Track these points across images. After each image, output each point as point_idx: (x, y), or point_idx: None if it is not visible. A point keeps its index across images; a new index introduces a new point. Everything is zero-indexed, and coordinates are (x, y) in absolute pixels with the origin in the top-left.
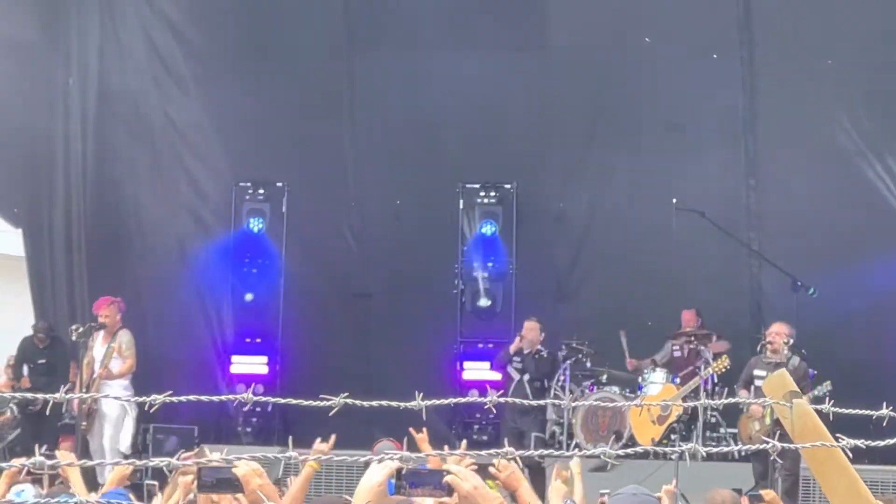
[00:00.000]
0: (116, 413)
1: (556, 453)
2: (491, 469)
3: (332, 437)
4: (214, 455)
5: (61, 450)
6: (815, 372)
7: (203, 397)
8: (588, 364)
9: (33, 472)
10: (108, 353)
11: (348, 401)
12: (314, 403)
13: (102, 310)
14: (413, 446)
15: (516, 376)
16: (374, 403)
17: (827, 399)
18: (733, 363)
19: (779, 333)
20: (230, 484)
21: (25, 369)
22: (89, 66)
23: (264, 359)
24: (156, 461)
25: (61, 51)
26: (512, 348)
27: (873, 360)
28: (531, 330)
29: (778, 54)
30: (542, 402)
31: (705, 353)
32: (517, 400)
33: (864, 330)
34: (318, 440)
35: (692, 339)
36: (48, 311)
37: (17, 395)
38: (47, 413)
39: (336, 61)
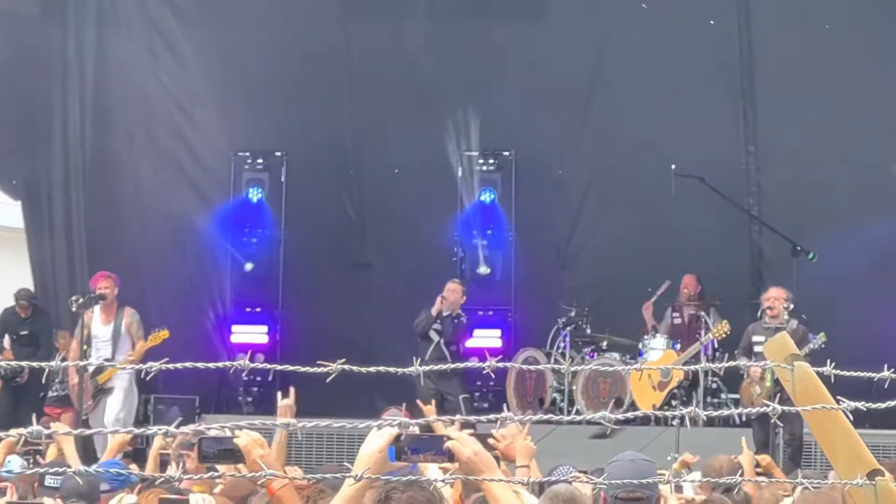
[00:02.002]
0: (125, 385)
1: (556, 418)
2: (490, 440)
3: (292, 390)
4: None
5: (60, 421)
6: (816, 336)
7: (199, 364)
8: (588, 330)
9: (31, 443)
10: (137, 345)
11: (346, 367)
12: (312, 370)
13: (100, 283)
14: (418, 416)
15: (435, 338)
16: (372, 369)
17: (823, 351)
18: (734, 329)
19: (777, 298)
20: (231, 455)
21: (7, 341)
22: (86, 37)
23: (264, 328)
24: (154, 429)
25: (59, 23)
26: (434, 310)
27: (873, 325)
28: (452, 292)
29: (775, 19)
30: (542, 366)
31: (706, 318)
32: (515, 365)
33: (863, 294)
34: (280, 395)
35: (692, 305)
36: (48, 283)
37: (41, 364)
38: (45, 382)
39: (333, 30)
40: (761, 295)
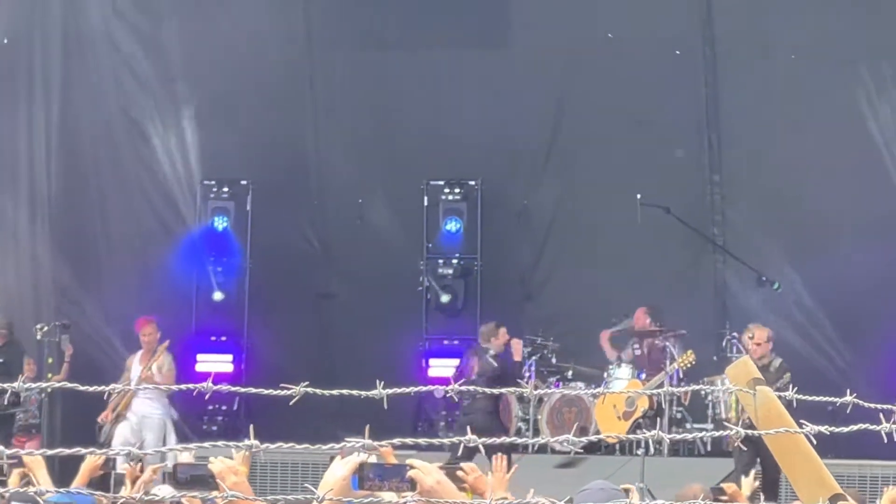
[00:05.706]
0: (157, 420)
1: (531, 441)
2: (458, 473)
3: (251, 429)
4: (184, 455)
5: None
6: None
7: (162, 386)
8: (553, 360)
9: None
10: (159, 368)
11: (309, 390)
12: (275, 392)
13: (144, 328)
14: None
15: None
16: (335, 392)
17: (790, 388)
18: (698, 359)
19: (768, 341)
20: (205, 481)
21: None
22: (52, 65)
23: (229, 357)
24: (116, 450)
25: (24, 50)
26: None
27: (837, 355)
28: None
29: (740, 50)
30: (505, 390)
31: (670, 348)
32: (479, 389)
33: (828, 324)
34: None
35: (653, 335)
36: (13, 309)
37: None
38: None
39: (299, 59)
40: (726, 325)
